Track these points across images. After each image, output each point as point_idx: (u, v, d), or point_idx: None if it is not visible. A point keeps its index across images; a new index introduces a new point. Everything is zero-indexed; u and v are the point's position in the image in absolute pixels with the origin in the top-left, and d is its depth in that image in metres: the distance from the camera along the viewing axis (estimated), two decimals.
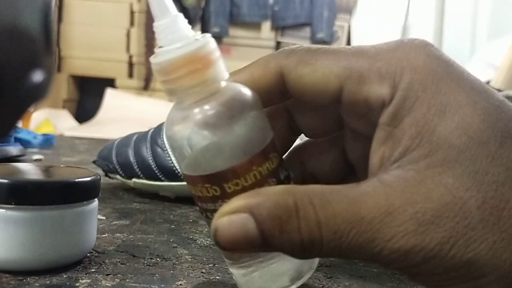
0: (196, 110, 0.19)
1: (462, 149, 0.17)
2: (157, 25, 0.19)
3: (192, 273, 0.25)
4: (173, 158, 0.40)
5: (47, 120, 1.58)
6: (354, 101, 0.19)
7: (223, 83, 0.19)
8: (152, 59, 0.19)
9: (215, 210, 0.18)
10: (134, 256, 0.27)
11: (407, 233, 0.17)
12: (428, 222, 0.16)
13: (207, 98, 0.19)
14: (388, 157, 0.18)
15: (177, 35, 0.19)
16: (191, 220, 0.36)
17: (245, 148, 0.19)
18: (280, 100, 0.22)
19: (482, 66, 1.78)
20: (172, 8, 0.20)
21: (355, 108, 0.19)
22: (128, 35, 2.27)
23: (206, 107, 0.19)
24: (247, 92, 0.20)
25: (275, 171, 0.19)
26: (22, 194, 0.23)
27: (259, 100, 0.20)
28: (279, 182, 0.19)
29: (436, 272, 0.17)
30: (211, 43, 0.19)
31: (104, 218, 0.35)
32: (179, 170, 0.40)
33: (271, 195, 0.17)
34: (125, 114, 1.98)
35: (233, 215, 0.17)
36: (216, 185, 0.19)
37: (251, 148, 0.19)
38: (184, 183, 0.40)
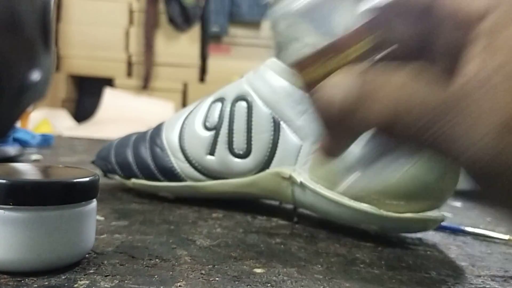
0: None
1: None
2: None
3: (191, 274, 0.25)
4: (172, 158, 0.40)
5: (46, 120, 1.58)
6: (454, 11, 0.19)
7: None
8: None
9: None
10: (133, 257, 0.27)
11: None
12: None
13: None
14: (482, 67, 0.17)
15: None
16: (190, 221, 0.36)
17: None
18: None
19: None
20: None
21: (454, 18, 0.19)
22: (127, 34, 2.27)
23: None
24: None
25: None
26: (20, 195, 0.23)
27: None
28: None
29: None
30: None
31: (103, 218, 0.35)
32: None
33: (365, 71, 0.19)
34: (123, 113, 1.98)
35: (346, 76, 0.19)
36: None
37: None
38: (183, 183, 0.40)
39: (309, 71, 0.21)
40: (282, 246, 0.31)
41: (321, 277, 0.26)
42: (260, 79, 0.38)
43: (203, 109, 0.40)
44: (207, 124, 0.39)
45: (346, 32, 0.20)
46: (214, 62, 2.32)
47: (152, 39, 2.24)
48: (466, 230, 0.39)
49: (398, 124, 0.18)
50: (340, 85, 0.19)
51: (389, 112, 0.18)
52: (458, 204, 0.55)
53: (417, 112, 0.18)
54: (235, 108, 0.38)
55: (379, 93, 0.18)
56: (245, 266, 0.27)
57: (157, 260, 0.27)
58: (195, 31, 2.27)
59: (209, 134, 0.39)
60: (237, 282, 0.24)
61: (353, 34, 0.21)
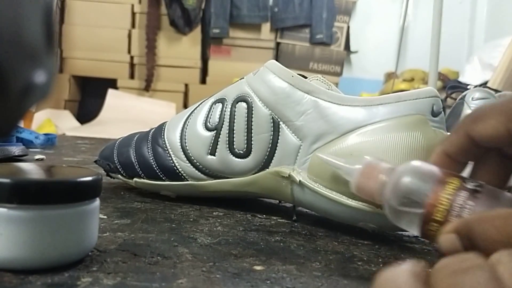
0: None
1: None
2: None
3: (192, 271, 0.25)
4: (174, 158, 0.41)
5: (49, 120, 1.59)
6: None
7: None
8: None
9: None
10: (135, 255, 0.27)
11: None
12: None
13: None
14: None
15: None
16: (191, 219, 0.37)
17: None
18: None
19: (480, 67, 1.77)
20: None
21: None
22: (129, 36, 2.28)
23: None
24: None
25: (459, 187, 0.25)
26: (24, 194, 0.23)
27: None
28: (471, 191, 0.25)
29: None
30: None
31: (105, 217, 0.35)
32: (181, 171, 0.40)
33: (463, 222, 0.22)
34: (126, 114, 1.98)
35: (448, 234, 0.23)
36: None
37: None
38: (185, 183, 0.40)
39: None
40: (281, 244, 0.32)
41: (319, 274, 0.26)
42: (260, 80, 0.38)
43: (204, 110, 0.41)
44: (208, 124, 0.40)
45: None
46: (215, 64, 2.32)
47: (154, 41, 2.24)
48: None
49: None
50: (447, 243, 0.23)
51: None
52: None
53: None
54: (236, 108, 0.39)
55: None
56: (245, 264, 0.27)
57: (159, 257, 0.27)
58: (196, 33, 2.27)
59: (210, 134, 0.39)
60: (237, 279, 0.25)
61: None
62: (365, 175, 0.29)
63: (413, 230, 0.26)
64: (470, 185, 0.25)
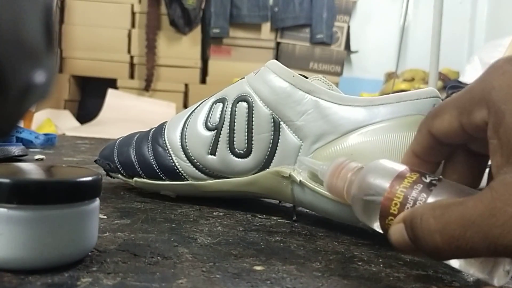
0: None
1: None
2: None
3: (192, 271, 0.25)
4: (174, 158, 0.41)
5: (49, 120, 1.59)
6: (471, 130, 0.24)
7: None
8: None
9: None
10: (135, 255, 0.27)
11: (509, 230, 0.20)
12: None
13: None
14: (499, 165, 0.22)
15: None
16: (191, 219, 0.37)
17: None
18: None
19: (480, 67, 1.77)
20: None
21: (474, 134, 0.25)
22: (129, 36, 2.28)
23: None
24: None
25: (416, 181, 0.25)
26: (24, 194, 0.23)
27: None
28: (427, 184, 0.25)
29: None
30: None
31: (105, 217, 0.35)
32: (181, 170, 0.40)
33: (408, 212, 0.23)
34: (126, 114, 1.98)
35: (396, 224, 0.24)
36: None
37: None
38: (185, 182, 0.40)
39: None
40: (281, 244, 0.32)
41: (319, 274, 0.26)
42: (261, 80, 0.38)
43: (205, 110, 0.41)
44: (209, 124, 0.40)
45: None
46: (215, 64, 2.32)
47: (154, 41, 2.24)
48: None
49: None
50: (395, 233, 0.24)
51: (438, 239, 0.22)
52: None
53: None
54: (236, 108, 0.39)
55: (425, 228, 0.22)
56: (245, 264, 0.27)
57: (158, 257, 0.27)
58: (196, 33, 2.27)
59: (211, 134, 0.39)
60: (237, 279, 0.25)
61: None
62: (335, 174, 0.30)
63: (378, 228, 0.27)
64: (428, 179, 0.25)
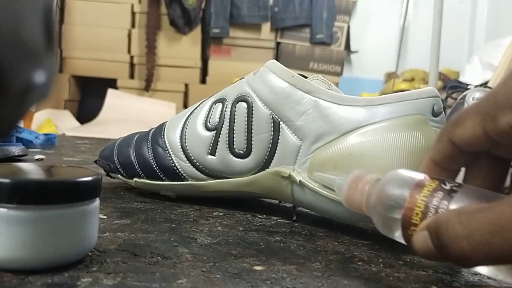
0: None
1: None
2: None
3: (192, 271, 0.25)
4: (174, 158, 0.41)
5: (49, 120, 1.59)
6: (496, 136, 0.24)
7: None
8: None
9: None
10: (135, 255, 0.27)
11: None
12: None
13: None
14: None
15: None
16: (191, 219, 0.37)
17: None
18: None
19: (480, 67, 1.77)
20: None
21: (499, 139, 0.24)
22: (129, 36, 2.28)
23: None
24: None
25: (436, 188, 0.25)
26: (24, 194, 0.23)
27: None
28: (447, 191, 0.24)
29: None
30: None
31: (105, 217, 0.35)
32: (181, 171, 0.40)
33: (432, 219, 0.23)
34: (126, 114, 1.98)
35: (420, 232, 0.24)
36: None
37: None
38: (185, 183, 0.41)
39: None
40: (281, 244, 0.32)
41: (319, 274, 0.26)
42: (260, 80, 0.38)
43: (204, 110, 0.41)
44: (208, 124, 0.40)
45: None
46: (215, 64, 2.32)
47: (154, 41, 2.24)
48: None
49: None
50: (419, 241, 0.23)
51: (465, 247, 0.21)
52: None
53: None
54: (236, 108, 0.39)
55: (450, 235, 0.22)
56: (245, 264, 0.27)
57: (158, 257, 0.27)
58: (196, 33, 2.27)
59: (210, 134, 0.39)
60: (237, 279, 0.25)
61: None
62: (352, 187, 0.29)
63: (400, 239, 0.26)
64: (447, 186, 0.25)
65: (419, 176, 0.26)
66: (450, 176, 0.27)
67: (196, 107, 0.42)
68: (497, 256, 0.20)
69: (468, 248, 0.21)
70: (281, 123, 0.37)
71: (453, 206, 0.24)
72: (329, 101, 0.36)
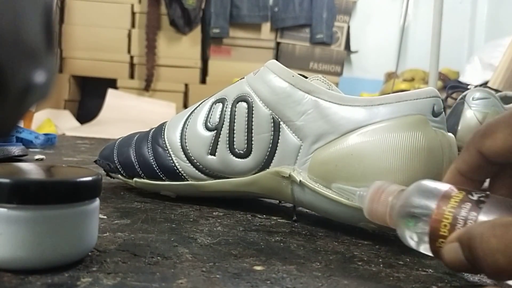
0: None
1: None
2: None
3: (192, 271, 0.25)
4: (174, 158, 0.41)
5: (49, 120, 1.59)
6: None
7: None
8: None
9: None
10: (135, 255, 0.27)
11: None
12: None
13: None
14: None
15: None
16: (191, 220, 0.37)
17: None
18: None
19: (480, 67, 1.77)
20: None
21: None
22: (129, 36, 2.28)
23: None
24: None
25: (463, 199, 0.24)
26: (24, 194, 0.23)
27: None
28: (475, 201, 0.24)
29: None
30: None
31: (105, 217, 0.35)
32: (182, 171, 0.40)
33: (464, 231, 0.23)
34: (126, 114, 1.98)
35: (450, 244, 0.23)
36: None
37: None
38: (185, 183, 0.40)
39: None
40: (281, 244, 0.32)
41: (319, 274, 0.26)
42: (260, 80, 0.38)
43: (204, 110, 0.41)
44: (208, 124, 0.40)
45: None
46: (215, 64, 2.32)
47: (154, 41, 2.24)
48: None
49: None
50: (450, 254, 0.23)
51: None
52: None
53: None
54: (236, 108, 0.39)
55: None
56: (245, 264, 0.27)
57: (158, 258, 0.27)
58: (196, 33, 2.27)
59: (210, 134, 0.39)
60: (237, 279, 0.25)
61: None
62: (374, 199, 0.29)
63: (427, 251, 0.26)
64: (475, 197, 0.25)
65: (445, 186, 0.26)
66: (475, 187, 0.27)
67: (196, 107, 0.42)
68: None
69: (503, 261, 0.21)
70: (281, 123, 0.37)
71: (482, 217, 0.23)
72: (329, 101, 0.36)
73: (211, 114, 0.40)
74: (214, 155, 0.39)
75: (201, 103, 0.42)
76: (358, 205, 0.31)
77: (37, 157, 0.65)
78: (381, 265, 0.29)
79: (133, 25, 2.28)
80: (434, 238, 0.25)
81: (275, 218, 0.39)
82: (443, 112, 0.35)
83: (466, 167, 0.27)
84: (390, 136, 0.33)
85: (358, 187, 0.31)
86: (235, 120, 0.38)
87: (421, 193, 0.26)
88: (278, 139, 0.37)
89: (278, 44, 2.41)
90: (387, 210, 0.28)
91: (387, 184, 0.29)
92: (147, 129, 0.45)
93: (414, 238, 0.26)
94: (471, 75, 1.82)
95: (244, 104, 0.38)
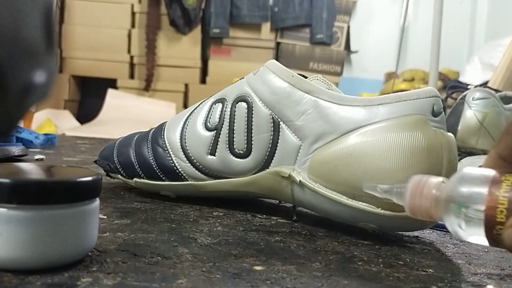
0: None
1: None
2: None
3: (192, 271, 0.25)
4: (174, 158, 0.41)
5: (49, 120, 1.58)
6: None
7: None
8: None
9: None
10: (135, 255, 0.27)
11: None
12: None
13: None
14: None
15: None
16: (191, 219, 0.37)
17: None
18: None
19: (480, 67, 1.77)
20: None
21: None
22: (129, 36, 2.28)
23: None
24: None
25: None
26: (24, 194, 0.23)
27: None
28: None
29: None
30: None
31: (105, 217, 0.35)
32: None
33: None
34: (126, 114, 1.98)
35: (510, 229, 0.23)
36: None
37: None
38: (185, 183, 0.40)
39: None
40: (281, 244, 0.32)
41: (319, 274, 0.26)
42: (260, 80, 0.38)
43: (204, 110, 0.41)
44: (208, 124, 0.40)
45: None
46: (215, 64, 2.32)
47: (154, 41, 2.24)
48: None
49: None
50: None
51: None
52: None
53: None
54: (236, 108, 0.39)
55: None
56: (245, 264, 0.27)
57: (158, 258, 0.27)
58: (196, 33, 2.27)
59: (210, 134, 0.39)
60: (237, 280, 0.25)
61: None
62: (416, 194, 0.28)
63: (483, 241, 0.25)
64: None
65: (490, 172, 0.25)
66: None
67: (196, 107, 0.42)
68: None
69: None
70: (281, 123, 0.37)
71: None
72: (329, 101, 0.36)
73: (211, 114, 0.40)
74: (214, 155, 0.39)
75: (201, 103, 0.42)
76: (357, 206, 0.31)
77: (37, 157, 0.65)
78: (381, 265, 0.29)
79: (133, 25, 2.28)
80: (491, 226, 0.24)
81: (275, 218, 0.39)
82: (443, 112, 0.35)
83: (508, 151, 0.27)
84: (390, 136, 0.33)
85: (364, 187, 0.31)
86: (235, 120, 0.38)
87: (468, 181, 0.25)
88: (278, 139, 0.37)
89: (278, 44, 2.41)
90: (431, 204, 0.27)
91: (425, 177, 0.28)
92: (147, 129, 0.45)
93: (465, 228, 0.25)
94: (471, 75, 1.82)
95: (244, 104, 0.38)
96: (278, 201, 0.44)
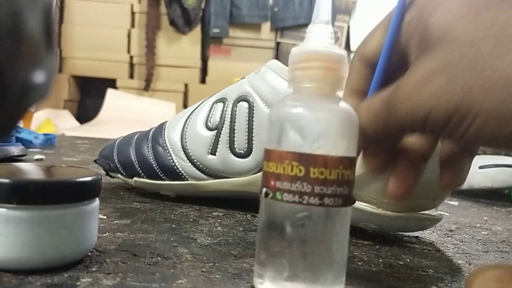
0: (314, 101, 0.22)
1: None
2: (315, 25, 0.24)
3: (192, 272, 0.25)
4: (174, 158, 0.41)
5: (48, 120, 1.58)
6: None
7: (339, 96, 0.22)
8: (295, 47, 0.23)
9: (289, 191, 0.20)
10: (134, 255, 0.27)
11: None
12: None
13: (325, 96, 0.22)
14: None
15: (326, 39, 0.23)
16: (191, 220, 0.37)
17: (340, 148, 0.21)
18: None
19: None
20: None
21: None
22: (129, 35, 2.28)
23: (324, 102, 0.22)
24: (354, 114, 0.22)
25: (351, 183, 0.22)
26: (24, 194, 0.23)
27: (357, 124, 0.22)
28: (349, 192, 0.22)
29: None
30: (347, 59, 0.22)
31: (105, 217, 0.35)
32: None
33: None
34: (125, 114, 1.98)
35: None
36: (303, 166, 0.20)
37: (344, 151, 0.21)
38: (185, 182, 0.40)
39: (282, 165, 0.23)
40: None
41: None
42: (261, 80, 0.38)
43: (205, 109, 0.41)
44: (209, 124, 0.40)
45: None
46: (215, 64, 2.32)
47: (154, 40, 2.24)
48: None
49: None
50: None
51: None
52: (455, 203, 0.55)
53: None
54: (237, 108, 0.38)
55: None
56: (245, 264, 0.27)
57: (158, 258, 0.27)
58: (196, 33, 2.27)
59: (211, 133, 0.39)
60: (237, 280, 0.25)
61: None
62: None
63: None
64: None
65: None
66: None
67: (196, 107, 0.42)
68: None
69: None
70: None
71: None
72: None
73: (212, 114, 0.40)
74: (215, 154, 0.39)
75: (202, 102, 0.42)
76: (357, 206, 0.31)
77: (36, 157, 0.65)
78: (381, 265, 0.29)
79: (132, 25, 2.28)
80: None
81: None
82: None
83: (357, 82, 0.26)
84: None
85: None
86: (236, 120, 0.38)
87: None
88: None
89: (278, 44, 2.41)
90: None
91: None
92: (147, 129, 0.45)
93: None
94: None
95: (245, 104, 0.38)
96: None
